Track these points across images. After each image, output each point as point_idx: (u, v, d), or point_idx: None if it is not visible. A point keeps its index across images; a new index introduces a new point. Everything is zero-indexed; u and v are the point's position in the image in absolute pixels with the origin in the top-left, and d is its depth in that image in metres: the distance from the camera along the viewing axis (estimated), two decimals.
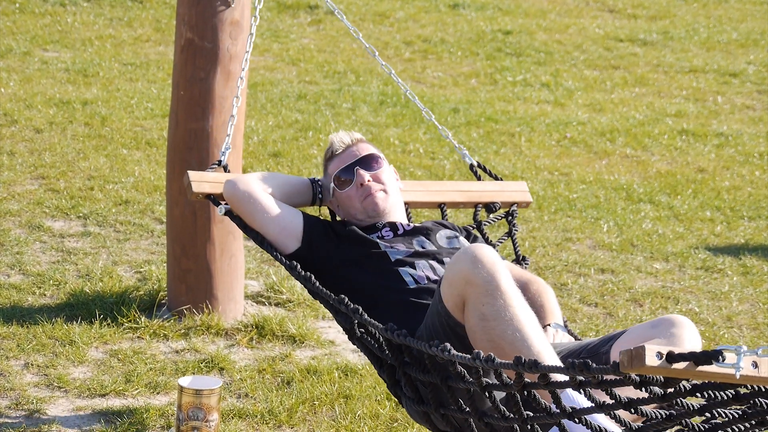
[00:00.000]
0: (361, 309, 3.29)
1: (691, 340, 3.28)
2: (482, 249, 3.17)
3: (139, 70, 8.86)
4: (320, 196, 3.87)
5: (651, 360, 2.47)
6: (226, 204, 3.82)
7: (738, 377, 2.47)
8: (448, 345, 2.95)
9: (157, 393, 4.44)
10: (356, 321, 3.33)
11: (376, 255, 3.63)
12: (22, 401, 4.29)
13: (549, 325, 3.60)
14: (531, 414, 2.94)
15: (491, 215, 4.26)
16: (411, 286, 3.53)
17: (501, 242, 4.17)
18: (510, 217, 4.20)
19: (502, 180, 4.35)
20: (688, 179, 7.43)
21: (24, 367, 4.53)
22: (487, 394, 2.97)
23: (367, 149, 3.85)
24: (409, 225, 3.79)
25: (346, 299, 3.36)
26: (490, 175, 4.35)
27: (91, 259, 5.52)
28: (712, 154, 8.00)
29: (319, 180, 3.88)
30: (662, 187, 7.26)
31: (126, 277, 5.36)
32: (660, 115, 8.86)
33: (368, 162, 3.82)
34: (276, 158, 7.14)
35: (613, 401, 2.74)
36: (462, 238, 3.82)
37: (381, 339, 3.28)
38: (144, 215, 6.08)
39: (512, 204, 4.25)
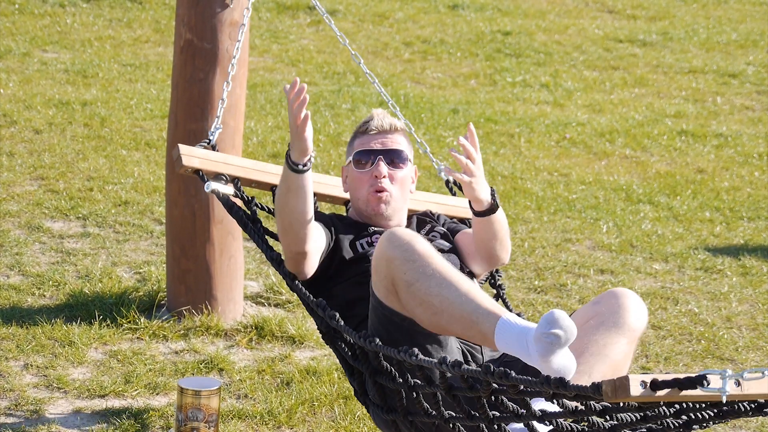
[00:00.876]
0: (337, 315, 3.29)
1: (634, 309, 3.28)
2: (396, 229, 3.19)
3: (139, 71, 8.86)
4: (303, 165, 3.51)
5: (635, 390, 2.48)
6: (213, 181, 3.81)
7: (724, 400, 2.48)
8: (416, 350, 2.95)
9: (157, 394, 4.44)
10: (332, 327, 3.33)
11: (364, 269, 3.54)
12: (21, 402, 4.29)
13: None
14: (498, 414, 2.94)
15: (478, 278, 4.26)
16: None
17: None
18: (493, 280, 4.20)
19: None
20: (688, 180, 7.44)
21: (23, 368, 4.53)
22: (452, 396, 2.97)
23: (398, 143, 3.74)
24: None
25: (324, 303, 3.36)
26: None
27: (91, 259, 5.52)
28: (711, 155, 8.00)
29: (288, 153, 3.56)
30: (662, 187, 7.26)
31: (125, 277, 5.36)
32: (659, 115, 8.86)
33: (393, 157, 3.71)
34: (275, 159, 7.14)
35: (585, 409, 2.74)
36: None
37: (355, 346, 3.29)
38: (143, 216, 6.08)
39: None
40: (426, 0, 11.99)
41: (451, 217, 4.22)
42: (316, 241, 3.50)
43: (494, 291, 4.07)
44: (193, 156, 3.91)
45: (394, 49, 10.32)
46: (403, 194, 3.76)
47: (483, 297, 3.09)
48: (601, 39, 11.11)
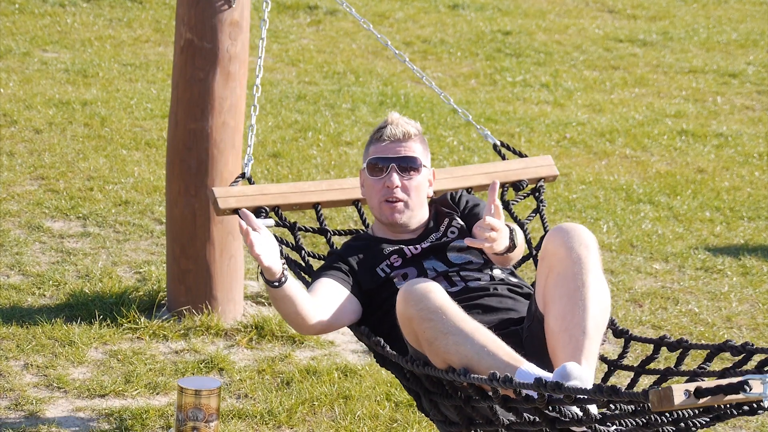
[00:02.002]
0: (382, 341, 3.34)
1: (576, 243, 3.34)
2: (410, 285, 3.21)
3: (139, 71, 8.86)
4: (275, 283, 3.42)
5: (679, 399, 2.55)
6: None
7: (766, 405, 2.57)
8: (463, 368, 3.02)
9: (157, 393, 4.44)
10: (379, 353, 3.40)
11: (392, 292, 3.54)
12: (21, 402, 4.29)
13: None
14: (559, 417, 2.97)
15: (518, 193, 4.22)
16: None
17: (530, 220, 4.15)
18: (537, 194, 4.17)
19: (527, 156, 4.31)
20: (688, 180, 7.43)
21: (23, 368, 4.53)
22: (508, 408, 3.02)
23: (412, 150, 3.70)
24: (417, 248, 3.70)
25: (368, 330, 3.43)
26: (515, 152, 4.31)
27: (91, 259, 5.52)
28: (711, 155, 8.00)
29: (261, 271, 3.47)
30: (662, 187, 7.26)
31: (125, 277, 5.36)
32: (659, 115, 8.86)
33: (406, 165, 3.68)
34: (275, 159, 7.14)
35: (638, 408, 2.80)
36: (482, 259, 3.74)
37: (404, 369, 3.33)
38: (143, 216, 6.08)
39: (539, 180, 4.21)
40: (426, 0, 11.99)
41: (503, 184, 4.16)
42: (327, 314, 3.51)
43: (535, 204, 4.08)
44: (228, 197, 3.88)
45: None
46: (419, 200, 3.74)
47: (500, 348, 3.12)
48: (601, 39, 11.11)
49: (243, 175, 4.02)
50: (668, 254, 6.19)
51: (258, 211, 3.87)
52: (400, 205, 3.69)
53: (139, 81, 8.60)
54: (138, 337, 4.85)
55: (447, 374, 3.07)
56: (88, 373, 4.55)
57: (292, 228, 3.91)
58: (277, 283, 3.33)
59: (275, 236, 3.66)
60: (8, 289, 5.14)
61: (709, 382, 2.58)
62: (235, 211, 3.83)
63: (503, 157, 4.32)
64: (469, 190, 4.14)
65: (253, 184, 4.01)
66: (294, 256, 4.17)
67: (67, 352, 4.65)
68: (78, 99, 7.89)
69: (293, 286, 3.38)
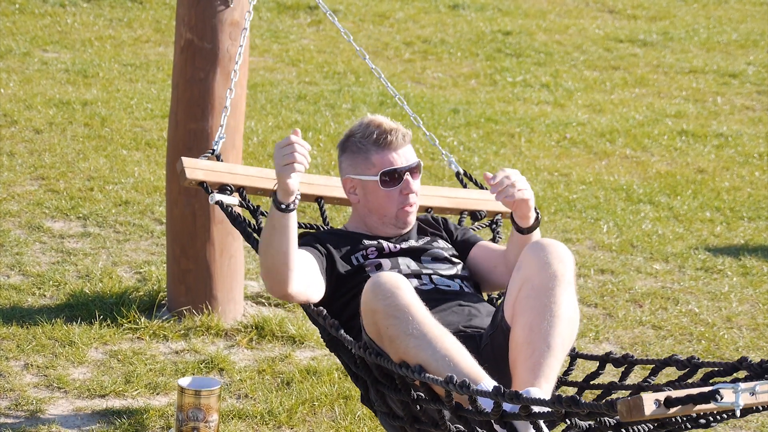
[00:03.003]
0: (337, 323, 3.30)
1: (555, 259, 3.27)
2: (381, 276, 3.18)
3: (139, 71, 8.86)
4: (288, 205, 3.40)
5: (650, 409, 2.49)
6: (218, 192, 3.81)
7: (738, 414, 2.51)
8: (419, 366, 2.97)
9: (157, 393, 4.44)
10: (333, 336, 3.34)
11: (361, 279, 3.53)
12: (21, 402, 4.29)
13: None
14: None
15: (476, 223, 4.27)
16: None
17: None
18: (494, 225, 4.22)
19: (487, 189, 4.36)
20: (688, 180, 7.43)
21: (24, 368, 4.53)
22: (458, 416, 2.97)
23: (413, 153, 3.75)
24: (395, 246, 3.70)
25: (324, 312, 3.37)
26: (476, 183, 4.37)
27: (91, 259, 5.52)
28: (711, 155, 8.00)
29: (274, 191, 3.38)
30: (662, 187, 7.26)
31: (126, 277, 5.36)
32: (660, 115, 8.86)
33: (416, 172, 3.71)
34: None
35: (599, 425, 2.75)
36: (455, 266, 3.73)
37: (355, 355, 3.29)
38: (144, 216, 6.08)
39: (497, 213, 4.26)
40: (426, 0, 11.99)
41: (461, 211, 4.21)
42: (304, 279, 3.43)
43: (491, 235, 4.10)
44: (196, 168, 3.89)
45: (394, 49, 10.32)
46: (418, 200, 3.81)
47: (462, 360, 3.07)
48: (601, 39, 11.11)
49: (213, 151, 4.03)
50: (668, 254, 6.19)
51: (223, 188, 3.87)
52: (414, 207, 3.74)
53: (140, 81, 8.60)
54: (138, 338, 4.85)
55: (401, 369, 3.01)
56: (88, 373, 4.55)
57: (254, 211, 3.90)
58: (287, 206, 3.24)
59: (237, 214, 3.67)
60: (8, 289, 5.14)
61: (679, 391, 2.53)
62: (201, 183, 3.84)
63: (464, 186, 4.35)
64: (428, 209, 4.17)
65: (222, 162, 4.02)
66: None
67: (67, 352, 4.65)
68: (78, 99, 7.89)
69: (295, 219, 3.31)
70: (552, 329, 3.17)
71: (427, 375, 2.95)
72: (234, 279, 5.07)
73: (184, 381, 4.00)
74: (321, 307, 3.40)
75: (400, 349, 3.10)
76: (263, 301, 5.29)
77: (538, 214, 3.58)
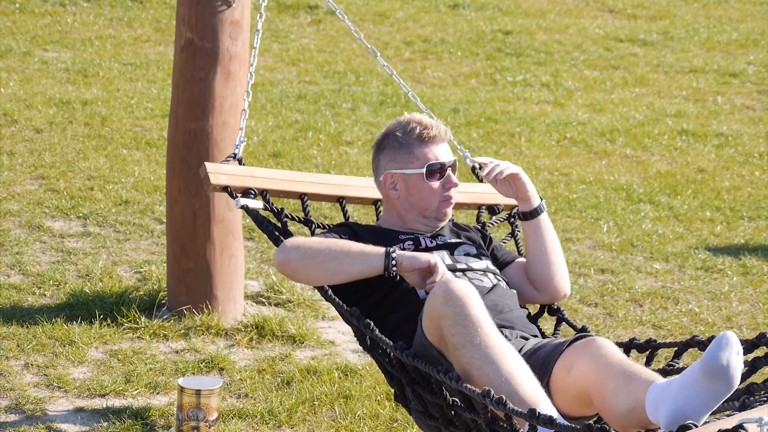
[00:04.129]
0: (372, 324, 3.31)
1: (613, 354, 3.25)
2: (454, 283, 3.18)
3: (139, 70, 8.86)
4: (394, 269, 3.45)
5: None
6: (241, 196, 3.82)
7: None
8: (456, 374, 2.97)
9: (157, 393, 4.44)
10: (367, 336, 3.35)
11: (396, 278, 3.54)
12: (22, 401, 4.29)
13: None
14: None
15: (494, 217, 4.29)
16: (421, 297, 3.51)
17: (505, 242, 4.19)
18: (512, 219, 4.23)
19: None
20: (688, 179, 7.43)
21: (24, 367, 4.53)
22: (492, 430, 2.97)
23: (451, 153, 3.82)
24: (432, 242, 3.72)
25: (358, 312, 3.38)
26: None
27: (91, 259, 5.52)
28: (712, 155, 8.00)
29: (393, 252, 3.47)
30: (662, 187, 7.26)
31: (126, 277, 5.36)
32: (660, 115, 8.86)
33: (455, 168, 3.78)
34: (276, 158, 7.14)
35: None
36: (485, 260, 3.75)
37: (391, 355, 3.30)
38: (144, 215, 6.08)
39: (514, 206, 4.26)
40: None
41: (479, 206, 4.22)
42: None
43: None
44: (220, 173, 3.89)
45: (394, 49, 10.32)
46: None
47: (524, 381, 3.06)
48: (601, 38, 11.11)
49: (234, 156, 4.04)
50: (668, 254, 6.19)
51: (247, 192, 3.88)
52: (452, 201, 3.79)
53: (140, 80, 8.60)
54: (138, 337, 4.85)
55: (438, 374, 3.01)
56: (88, 372, 4.55)
57: (279, 214, 3.91)
58: (390, 273, 3.42)
59: (263, 218, 3.74)
60: (9, 288, 5.15)
61: (704, 427, 2.54)
62: (225, 188, 3.85)
63: (480, 180, 4.36)
64: None
65: (243, 165, 4.04)
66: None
67: (67, 351, 4.65)
68: (78, 98, 7.89)
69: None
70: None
71: (465, 385, 2.94)
72: (234, 278, 5.07)
73: (185, 380, 4.00)
74: (355, 308, 3.41)
75: (463, 359, 3.09)
76: (263, 300, 5.29)
77: (542, 199, 3.67)
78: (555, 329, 3.87)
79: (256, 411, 4.33)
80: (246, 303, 5.20)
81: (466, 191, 4.26)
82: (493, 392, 2.85)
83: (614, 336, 5.19)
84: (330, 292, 3.52)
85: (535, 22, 11.52)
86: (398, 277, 3.43)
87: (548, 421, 2.72)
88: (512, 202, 4.26)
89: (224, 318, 5.01)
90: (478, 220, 4.20)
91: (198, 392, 3.94)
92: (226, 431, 4.20)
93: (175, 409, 4.00)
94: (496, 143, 7.89)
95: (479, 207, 4.26)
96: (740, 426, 2.49)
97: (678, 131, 8.45)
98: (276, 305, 5.27)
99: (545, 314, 3.92)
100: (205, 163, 3.93)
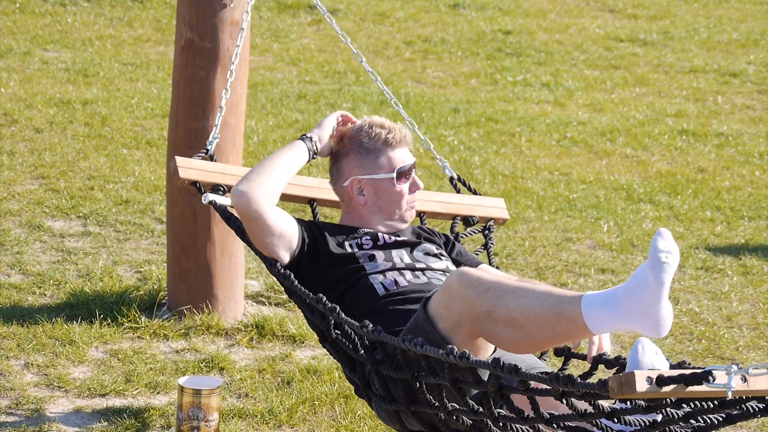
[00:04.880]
0: (338, 308, 3.30)
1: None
2: (464, 270, 3.17)
3: (140, 70, 8.86)
4: (315, 153, 3.89)
5: (641, 386, 2.47)
6: (210, 192, 3.83)
7: (730, 396, 2.46)
8: (421, 339, 2.96)
9: (157, 393, 4.44)
10: (332, 320, 3.34)
11: (353, 269, 3.59)
12: (22, 401, 4.29)
13: None
14: (503, 413, 2.93)
15: (468, 228, 4.28)
16: (380, 294, 3.53)
17: (477, 254, 4.18)
18: (486, 232, 4.23)
19: (480, 195, 4.37)
20: (688, 179, 7.43)
21: (24, 367, 4.53)
22: (457, 389, 2.97)
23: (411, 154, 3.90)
24: (390, 238, 3.73)
25: (324, 298, 3.36)
26: (469, 189, 4.38)
27: (92, 258, 5.52)
28: (712, 154, 8.00)
29: (309, 135, 3.85)
30: (662, 187, 7.26)
31: (126, 276, 5.36)
32: (660, 115, 8.86)
33: (415, 167, 3.85)
34: None
35: (595, 411, 2.73)
36: (445, 261, 3.76)
37: (355, 338, 3.29)
38: (144, 215, 6.08)
39: (489, 219, 4.27)
40: None
41: (454, 216, 4.23)
42: (277, 212, 3.55)
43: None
44: (190, 168, 3.91)
45: (394, 48, 10.32)
46: None
47: (561, 290, 3.06)
48: (601, 38, 11.11)
49: (206, 152, 4.04)
50: None
51: (216, 188, 3.88)
52: (417, 202, 3.85)
53: (140, 80, 8.60)
54: (138, 337, 4.85)
55: (403, 342, 2.98)
56: (88, 372, 4.55)
57: None
58: (312, 155, 3.83)
59: (231, 214, 3.78)
60: (9, 288, 5.15)
61: (671, 371, 2.50)
62: (194, 183, 3.86)
63: (458, 191, 4.36)
64: (421, 214, 4.18)
65: (215, 162, 4.03)
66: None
67: (67, 351, 4.65)
68: (78, 98, 7.89)
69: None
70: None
71: (427, 347, 2.93)
72: (234, 278, 5.07)
73: (185, 380, 4.00)
74: (321, 294, 3.39)
75: (501, 313, 3.03)
76: (264, 300, 5.29)
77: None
78: None
79: (256, 411, 4.33)
80: (246, 303, 5.20)
81: (442, 201, 4.26)
82: (455, 348, 2.84)
83: (614, 335, 5.19)
84: (296, 282, 3.48)
85: (536, 22, 11.52)
86: (318, 155, 3.84)
87: (512, 369, 2.71)
88: (489, 215, 4.29)
89: (224, 318, 5.01)
90: (452, 230, 4.19)
91: (198, 392, 3.94)
92: (226, 431, 4.20)
93: (175, 408, 4.00)
94: (496, 143, 7.89)
95: (454, 217, 4.25)
96: (708, 372, 2.45)
97: (678, 131, 8.45)
98: (276, 305, 5.27)
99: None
100: (176, 156, 3.94)
